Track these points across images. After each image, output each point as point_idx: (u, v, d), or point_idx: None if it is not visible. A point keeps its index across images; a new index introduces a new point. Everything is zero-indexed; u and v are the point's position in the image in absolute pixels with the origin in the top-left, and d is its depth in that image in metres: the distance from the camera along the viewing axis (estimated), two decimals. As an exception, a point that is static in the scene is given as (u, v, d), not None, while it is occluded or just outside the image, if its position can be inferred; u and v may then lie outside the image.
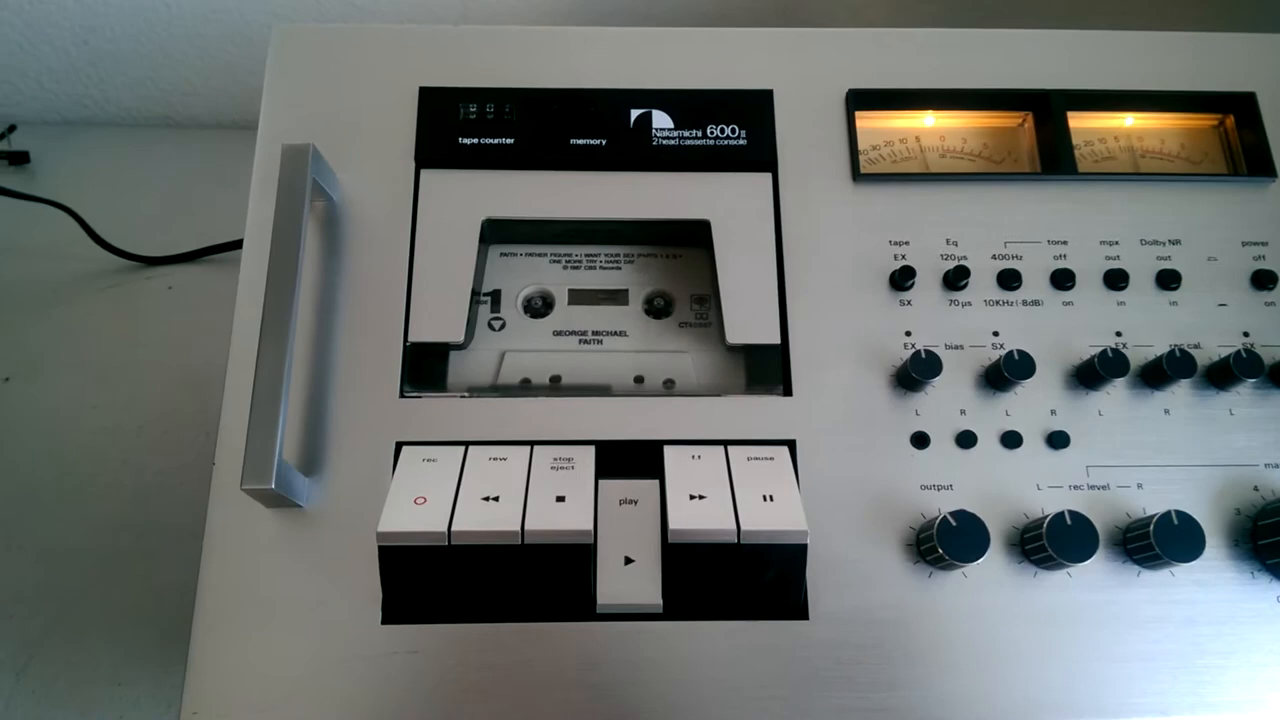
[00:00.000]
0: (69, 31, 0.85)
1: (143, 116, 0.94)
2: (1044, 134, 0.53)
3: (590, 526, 0.40)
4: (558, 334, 0.50)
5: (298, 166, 0.45)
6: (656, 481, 0.42)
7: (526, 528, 0.39)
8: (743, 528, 0.39)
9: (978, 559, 0.41)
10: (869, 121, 0.53)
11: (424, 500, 0.41)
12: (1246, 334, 0.48)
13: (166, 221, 0.81)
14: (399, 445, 0.44)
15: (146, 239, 0.78)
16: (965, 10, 0.88)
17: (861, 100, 0.52)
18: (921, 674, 0.42)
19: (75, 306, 0.74)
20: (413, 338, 0.46)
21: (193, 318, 0.72)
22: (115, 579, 0.58)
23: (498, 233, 0.50)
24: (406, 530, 0.39)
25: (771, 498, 0.41)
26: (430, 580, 0.40)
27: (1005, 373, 0.45)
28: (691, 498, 0.41)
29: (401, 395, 0.45)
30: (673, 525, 0.40)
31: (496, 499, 0.41)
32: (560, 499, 0.41)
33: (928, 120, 0.55)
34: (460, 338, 0.47)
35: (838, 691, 0.41)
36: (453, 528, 0.39)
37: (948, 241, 0.50)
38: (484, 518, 0.40)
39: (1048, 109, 0.52)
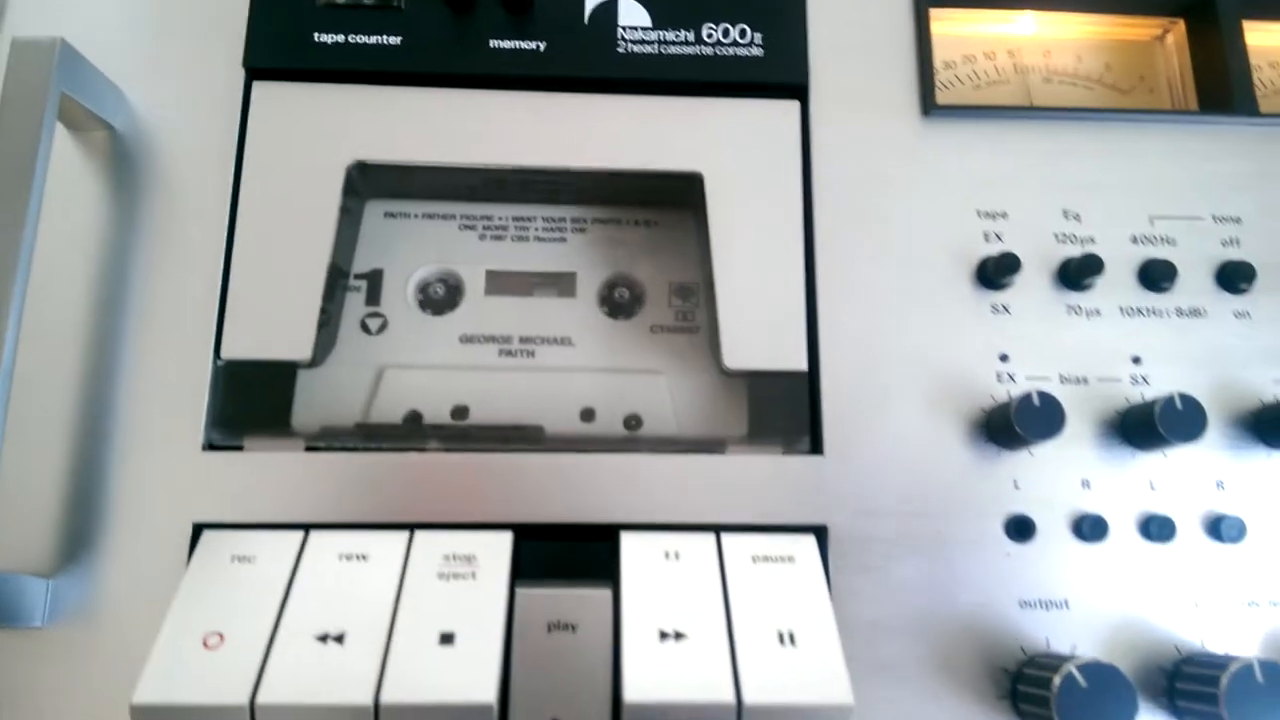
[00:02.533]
0: None
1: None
2: (1203, 53, 0.37)
3: (492, 698, 0.24)
4: (467, 340, 0.35)
5: (37, 74, 0.29)
6: (609, 591, 0.29)
7: (383, 700, 0.24)
8: (746, 701, 0.25)
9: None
10: (943, 25, 0.36)
11: (220, 640, 0.26)
12: None
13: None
14: (197, 528, 0.28)
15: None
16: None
17: (938, -9, 0.35)
18: None
19: None
20: (227, 352, 0.30)
21: None
22: None
23: (377, 183, 0.35)
24: (181, 703, 0.24)
25: (792, 638, 0.27)
26: (218, 789, 0.25)
27: (1161, 429, 0.29)
28: (663, 636, 0.27)
29: (207, 446, 0.29)
30: (629, 695, 0.25)
31: (340, 639, 0.26)
32: (447, 639, 0.25)
33: (1025, 25, 0.38)
34: (306, 353, 0.31)
35: None
36: (258, 699, 0.24)
37: (1065, 214, 0.33)
38: (314, 679, 0.25)
39: (1211, 16, 0.37)
